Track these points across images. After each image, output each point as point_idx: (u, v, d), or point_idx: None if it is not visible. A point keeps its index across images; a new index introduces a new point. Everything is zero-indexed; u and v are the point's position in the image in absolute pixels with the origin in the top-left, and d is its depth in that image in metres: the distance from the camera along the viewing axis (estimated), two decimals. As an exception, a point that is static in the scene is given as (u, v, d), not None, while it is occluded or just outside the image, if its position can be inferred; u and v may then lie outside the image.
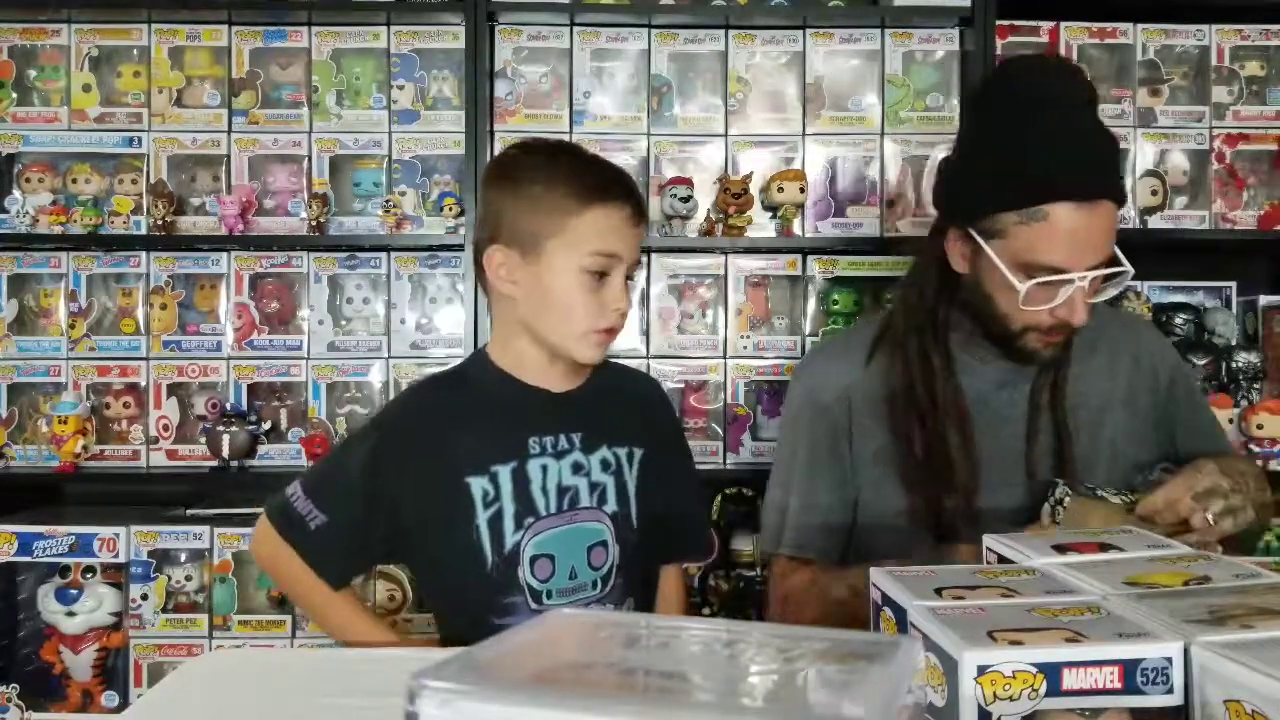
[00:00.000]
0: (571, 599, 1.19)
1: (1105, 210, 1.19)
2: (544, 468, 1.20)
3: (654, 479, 1.26)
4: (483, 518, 1.17)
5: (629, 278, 1.20)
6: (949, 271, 1.32)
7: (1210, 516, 1.13)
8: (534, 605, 1.17)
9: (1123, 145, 2.09)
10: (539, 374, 1.23)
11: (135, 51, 2.10)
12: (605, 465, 1.23)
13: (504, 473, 1.18)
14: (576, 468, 1.21)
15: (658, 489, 1.26)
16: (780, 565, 1.38)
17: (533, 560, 1.18)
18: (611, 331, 1.19)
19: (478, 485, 1.17)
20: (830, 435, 1.36)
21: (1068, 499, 1.19)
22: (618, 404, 1.28)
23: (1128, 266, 1.22)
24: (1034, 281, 1.19)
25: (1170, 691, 0.60)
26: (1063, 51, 2.08)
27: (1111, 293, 1.26)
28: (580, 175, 1.18)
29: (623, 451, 1.25)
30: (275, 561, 1.21)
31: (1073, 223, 1.17)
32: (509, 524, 1.18)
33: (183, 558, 1.96)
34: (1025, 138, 1.20)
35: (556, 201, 1.16)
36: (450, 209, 2.02)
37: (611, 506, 1.22)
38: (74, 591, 1.88)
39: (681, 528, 1.35)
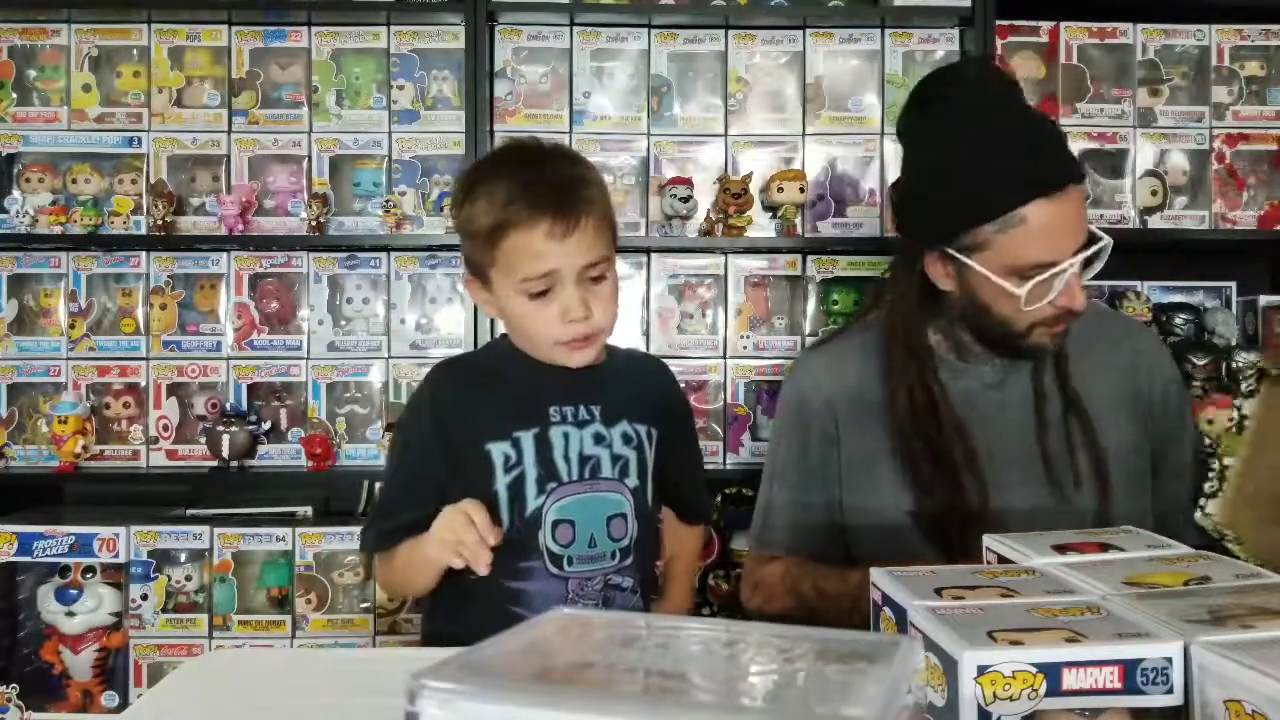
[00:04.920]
0: (590, 567, 1.20)
1: (1073, 194, 1.20)
2: (566, 435, 1.21)
3: (667, 457, 1.29)
4: (502, 482, 1.18)
5: (596, 278, 1.18)
6: (930, 290, 1.31)
7: None
8: (553, 569, 1.18)
9: (1123, 145, 2.10)
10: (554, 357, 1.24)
11: (135, 51, 2.10)
12: (627, 439, 1.24)
13: (527, 438, 1.19)
14: (598, 438, 1.22)
15: (669, 463, 1.29)
16: (757, 554, 1.40)
17: (554, 525, 1.18)
18: (586, 338, 1.18)
19: (498, 451, 1.19)
20: (815, 440, 1.37)
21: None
22: (635, 384, 1.29)
23: (1105, 238, 1.22)
24: (1032, 283, 1.19)
25: (1170, 691, 0.60)
26: (1062, 52, 2.08)
27: (1098, 266, 1.26)
28: (493, 204, 1.16)
29: (643, 429, 1.26)
30: (380, 575, 1.28)
31: (1048, 216, 1.18)
32: (531, 488, 1.19)
33: (183, 558, 1.96)
34: (977, 149, 1.20)
35: (481, 236, 1.17)
36: (450, 209, 2.02)
37: (633, 481, 1.23)
38: (74, 591, 1.88)
39: (683, 498, 1.39)
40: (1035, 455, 1.30)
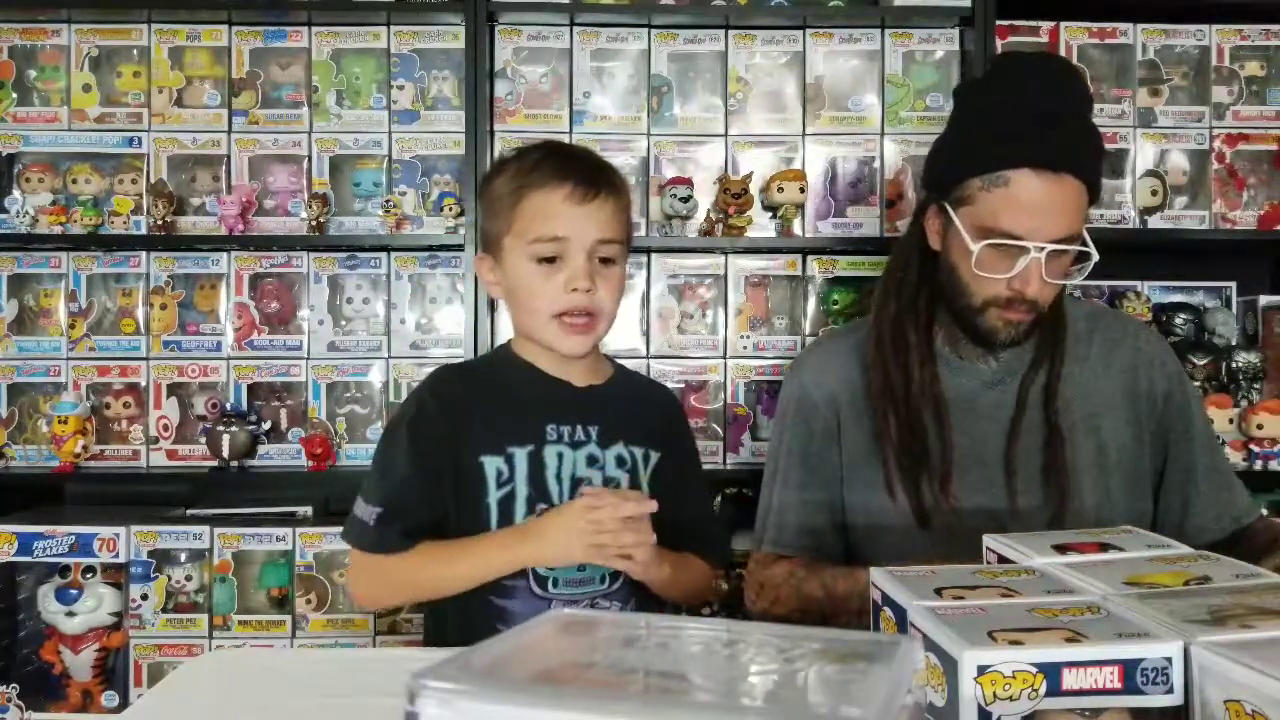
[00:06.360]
0: (578, 590, 1.19)
1: (1070, 186, 1.19)
2: (560, 455, 1.20)
3: (669, 487, 1.25)
4: (494, 497, 1.18)
5: (606, 260, 1.20)
6: (928, 252, 1.32)
7: None
8: (537, 590, 1.17)
9: (1123, 145, 2.09)
10: (558, 367, 1.25)
11: (135, 51, 2.10)
12: (621, 462, 1.23)
13: (520, 455, 1.19)
14: (591, 460, 1.22)
15: (673, 499, 1.23)
16: (761, 555, 1.39)
17: None
18: (584, 317, 1.18)
19: (491, 465, 1.19)
20: (818, 436, 1.37)
21: None
22: (636, 406, 1.29)
23: (1092, 250, 1.22)
24: (985, 243, 1.19)
25: (1170, 691, 0.60)
26: (1062, 51, 2.08)
27: (1078, 278, 1.26)
28: (522, 169, 1.21)
29: (639, 451, 1.25)
30: (372, 580, 1.20)
31: (1033, 191, 1.18)
32: (520, 507, 1.18)
33: (183, 558, 1.96)
34: (998, 107, 1.22)
35: (503, 199, 1.21)
36: (450, 209, 2.02)
37: None
38: (74, 591, 1.88)
39: (699, 537, 1.31)
40: (1001, 460, 1.30)
